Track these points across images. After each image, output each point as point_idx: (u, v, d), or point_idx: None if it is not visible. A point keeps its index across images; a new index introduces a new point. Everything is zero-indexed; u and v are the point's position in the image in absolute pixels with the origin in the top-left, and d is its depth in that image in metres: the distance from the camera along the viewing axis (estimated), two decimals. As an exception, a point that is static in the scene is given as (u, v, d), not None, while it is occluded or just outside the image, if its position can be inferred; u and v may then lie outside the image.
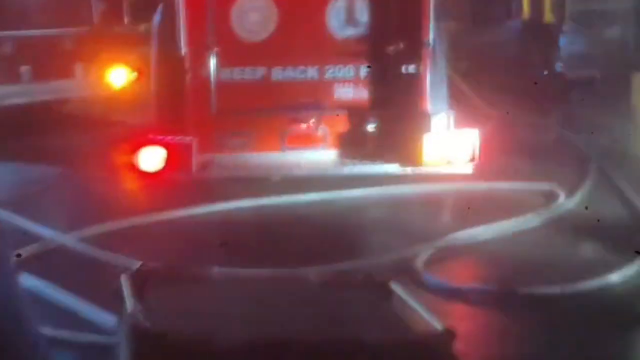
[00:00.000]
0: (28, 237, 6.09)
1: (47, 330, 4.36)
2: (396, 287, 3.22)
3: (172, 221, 6.79)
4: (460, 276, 5.79)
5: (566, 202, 7.17)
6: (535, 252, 6.06)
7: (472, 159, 7.74)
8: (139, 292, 3.02)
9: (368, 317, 3.06)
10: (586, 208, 6.64)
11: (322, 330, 2.87)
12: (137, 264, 3.54)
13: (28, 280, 5.07)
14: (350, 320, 3.02)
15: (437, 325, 2.88)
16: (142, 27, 9.76)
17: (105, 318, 4.48)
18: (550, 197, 7.30)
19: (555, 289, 5.30)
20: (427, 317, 2.96)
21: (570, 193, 7.35)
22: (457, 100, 8.55)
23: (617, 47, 11.92)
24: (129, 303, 2.92)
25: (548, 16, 12.44)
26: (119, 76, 10.49)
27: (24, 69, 10.10)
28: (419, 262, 5.71)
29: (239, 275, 4.05)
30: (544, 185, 7.56)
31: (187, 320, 2.88)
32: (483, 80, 10.91)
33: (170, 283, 3.27)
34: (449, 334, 2.80)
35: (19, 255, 5.60)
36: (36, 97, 10.12)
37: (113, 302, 3.17)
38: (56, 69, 10.28)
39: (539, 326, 4.83)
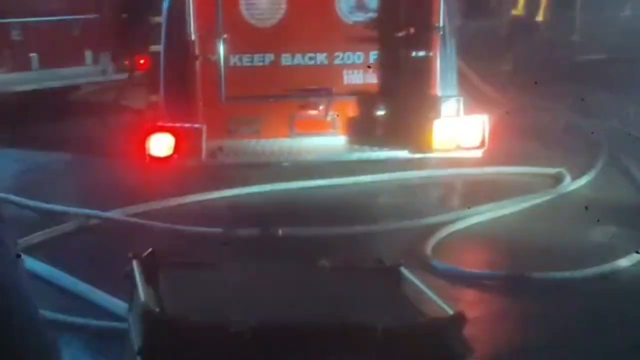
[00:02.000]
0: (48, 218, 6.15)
1: (57, 316, 4.40)
2: (406, 272, 3.22)
3: (181, 207, 6.80)
4: (470, 261, 5.79)
5: (573, 184, 7.17)
6: (545, 236, 6.05)
7: (482, 144, 7.72)
8: (150, 277, 3.02)
9: (378, 302, 3.06)
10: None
11: (333, 315, 2.87)
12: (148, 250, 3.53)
13: (38, 266, 5.10)
14: (360, 305, 3.03)
15: (447, 309, 2.88)
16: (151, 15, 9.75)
17: (116, 303, 4.51)
18: (559, 180, 7.31)
19: (564, 274, 5.30)
20: (437, 301, 2.95)
21: (578, 176, 7.35)
22: (466, 86, 8.53)
23: (628, 30, 11.86)
24: (140, 288, 2.93)
25: (542, 15, 12.65)
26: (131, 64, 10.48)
27: (33, 56, 10.12)
28: (428, 248, 5.72)
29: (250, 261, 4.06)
30: (552, 169, 7.55)
31: (198, 306, 2.88)
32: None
33: (181, 268, 3.28)
34: (459, 318, 2.79)
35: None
36: (45, 84, 10.14)
37: (124, 287, 3.19)
38: (65, 56, 10.30)
39: (548, 311, 4.83)
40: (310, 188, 7.26)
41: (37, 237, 5.87)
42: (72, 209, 6.49)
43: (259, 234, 5.89)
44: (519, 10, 13.26)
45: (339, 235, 5.98)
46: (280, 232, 5.90)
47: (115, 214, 6.47)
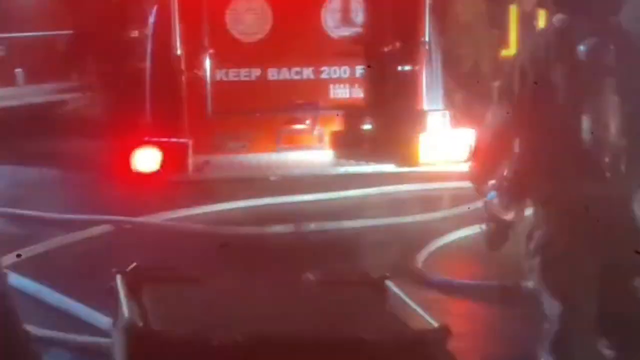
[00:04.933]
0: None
1: (43, 331, 4.36)
2: (391, 285, 3.21)
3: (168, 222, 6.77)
4: (459, 273, 5.78)
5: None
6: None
7: (470, 158, 7.71)
8: (134, 292, 3.01)
9: (363, 315, 3.05)
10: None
11: (318, 328, 2.86)
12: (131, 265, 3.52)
13: (23, 282, 5.07)
14: (346, 318, 3.01)
15: (432, 322, 2.87)
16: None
17: (101, 319, 4.47)
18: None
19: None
20: (422, 314, 2.95)
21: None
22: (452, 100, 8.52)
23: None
24: (124, 303, 2.91)
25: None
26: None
27: (18, 71, 10.09)
28: (418, 260, 5.70)
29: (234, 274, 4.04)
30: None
31: (182, 320, 2.86)
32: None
33: (164, 283, 3.26)
34: (443, 331, 2.79)
35: (19, 255, 5.65)
36: (30, 99, 10.10)
37: (108, 302, 3.16)
38: (50, 71, 10.27)
39: (536, 322, 4.81)
40: (297, 203, 7.23)
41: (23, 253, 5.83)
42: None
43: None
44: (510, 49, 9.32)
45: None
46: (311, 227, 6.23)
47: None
